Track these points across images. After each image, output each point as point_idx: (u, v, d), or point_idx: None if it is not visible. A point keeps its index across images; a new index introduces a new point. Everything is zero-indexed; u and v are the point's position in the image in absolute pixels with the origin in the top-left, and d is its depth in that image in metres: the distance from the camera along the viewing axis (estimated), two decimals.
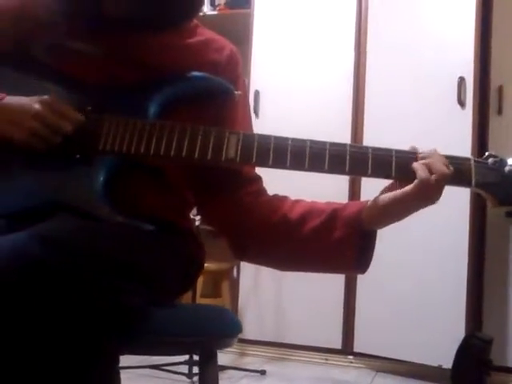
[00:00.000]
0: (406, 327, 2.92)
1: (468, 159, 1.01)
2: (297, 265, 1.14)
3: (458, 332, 2.72)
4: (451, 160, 0.99)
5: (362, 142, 3.13)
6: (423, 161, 0.97)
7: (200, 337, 1.03)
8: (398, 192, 0.98)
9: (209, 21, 3.24)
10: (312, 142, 1.01)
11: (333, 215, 1.05)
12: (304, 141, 1.01)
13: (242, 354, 3.24)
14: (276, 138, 1.01)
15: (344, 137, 3.10)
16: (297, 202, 1.12)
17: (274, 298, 3.27)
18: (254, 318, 3.30)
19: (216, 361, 1.08)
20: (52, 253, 0.77)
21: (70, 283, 0.77)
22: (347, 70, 3.23)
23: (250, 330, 3.22)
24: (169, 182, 1.12)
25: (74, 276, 0.77)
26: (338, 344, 3.14)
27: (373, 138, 3.03)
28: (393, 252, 2.81)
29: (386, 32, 3.16)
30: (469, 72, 2.87)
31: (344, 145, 1.01)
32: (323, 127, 3.04)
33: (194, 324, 1.04)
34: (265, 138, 1.02)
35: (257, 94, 3.33)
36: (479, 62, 2.88)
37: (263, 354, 3.25)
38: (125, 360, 0.95)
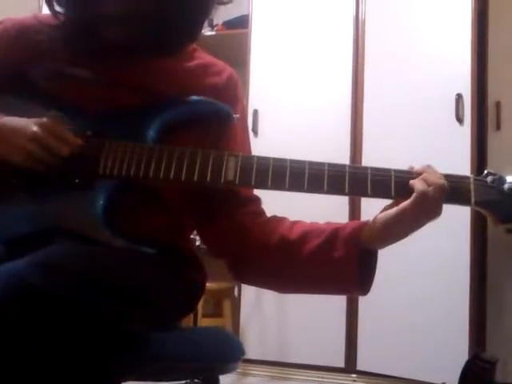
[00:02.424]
0: (409, 345, 2.90)
1: (467, 177, 1.01)
2: (297, 286, 1.13)
3: (462, 348, 2.71)
4: (450, 178, 0.99)
5: (360, 160, 3.13)
6: (419, 177, 0.98)
7: (203, 362, 1.02)
8: (397, 209, 0.97)
9: (207, 41, 3.26)
10: (311, 163, 1.01)
11: (333, 235, 1.05)
12: (303, 162, 1.01)
13: (245, 374, 3.22)
14: (275, 159, 1.02)
15: (343, 155, 3.11)
16: (296, 222, 1.11)
17: (275, 317, 3.25)
18: (255, 338, 3.28)
19: None
20: (52, 280, 0.77)
21: (70, 311, 0.77)
22: (345, 89, 3.25)
23: (252, 350, 3.19)
24: (168, 204, 1.12)
25: (74, 303, 0.77)
26: (340, 363, 3.12)
27: (372, 157, 3.04)
28: (394, 270, 2.80)
29: (383, 50, 3.17)
30: (466, 88, 2.88)
31: (343, 165, 1.01)
32: (322, 146, 3.07)
33: (196, 349, 1.03)
34: (263, 160, 1.02)
35: (255, 113, 3.34)
36: (476, 78, 2.90)
37: (266, 373, 3.22)
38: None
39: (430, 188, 0.95)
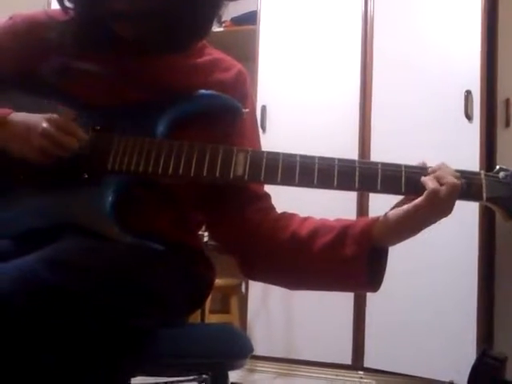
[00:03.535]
0: (416, 342, 2.89)
1: (478, 173, 1.00)
2: (307, 283, 1.13)
3: (470, 347, 2.70)
4: (461, 174, 0.98)
5: (369, 156, 3.13)
6: (432, 174, 0.97)
7: (211, 359, 1.02)
8: (409, 206, 0.96)
9: (215, 37, 3.25)
10: (320, 158, 1.00)
11: (343, 232, 1.04)
12: (312, 157, 1.01)
13: (252, 371, 3.22)
14: (284, 154, 1.01)
15: (351, 151, 3.10)
16: (306, 219, 1.10)
17: (283, 314, 3.25)
18: (263, 334, 3.28)
19: (227, 381, 1.08)
20: (61, 276, 0.77)
21: (80, 307, 0.77)
22: (353, 85, 3.24)
23: (259, 346, 3.18)
24: (177, 200, 1.12)
25: (83, 299, 0.77)
26: (347, 359, 3.11)
27: (380, 153, 3.03)
28: (402, 267, 2.78)
29: (392, 46, 3.16)
30: (475, 85, 2.86)
31: (353, 161, 1.01)
32: (330, 142, 3.06)
33: (205, 346, 1.03)
34: (273, 155, 1.01)
35: (263, 109, 3.34)
36: (486, 75, 2.87)
37: (273, 370, 3.22)
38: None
39: (443, 187, 0.94)
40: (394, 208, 1.00)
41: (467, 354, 2.61)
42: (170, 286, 1.00)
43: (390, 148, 2.95)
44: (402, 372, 2.93)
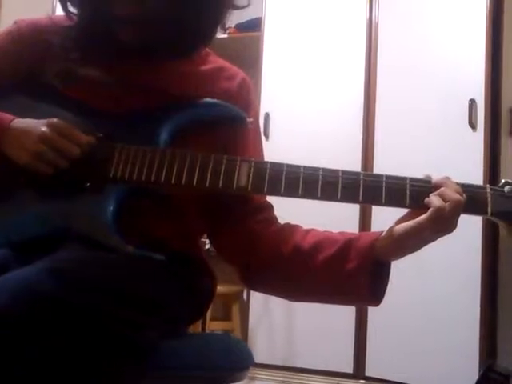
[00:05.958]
0: (419, 351, 2.88)
1: (483, 187, 0.99)
2: (309, 295, 1.13)
3: (472, 356, 2.69)
4: (466, 188, 0.97)
5: (372, 165, 3.12)
6: (436, 192, 0.96)
7: (212, 372, 1.01)
8: (413, 222, 0.95)
9: (219, 44, 3.25)
10: (324, 170, 0.99)
11: (346, 246, 1.03)
12: (316, 169, 0.99)
13: (252, 379, 3.21)
14: (288, 166, 1.00)
15: (354, 160, 3.10)
16: (309, 231, 1.10)
17: (284, 321, 3.24)
18: (264, 342, 3.27)
19: None
20: (63, 287, 0.76)
21: (82, 318, 0.76)
22: (357, 92, 3.23)
23: (260, 354, 3.18)
24: (179, 210, 1.11)
25: (86, 311, 0.76)
26: (349, 368, 3.10)
27: (383, 161, 3.03)
28: (405, 277, 2.77)
29: (397, 54, 3.16)
30: (480, 94, 2.86)
31: (357, 173, 0.99)
32: (333, 149, 3.06)
33: (206, 358, 1.02)
34: (277, 167, 1.00)
35: (267, 116, 3.33)
36: (490, 84, 2.88)
37: (274, 378, 3.21)
38: None
39: (447, 204, 0.93)
40: (398, 222, 0.99)
41: (469, 364, 2.60)
42: (171, 297, 0.99)
43: (394, 156, 2.95)
44: (404, 381, 2.92)
